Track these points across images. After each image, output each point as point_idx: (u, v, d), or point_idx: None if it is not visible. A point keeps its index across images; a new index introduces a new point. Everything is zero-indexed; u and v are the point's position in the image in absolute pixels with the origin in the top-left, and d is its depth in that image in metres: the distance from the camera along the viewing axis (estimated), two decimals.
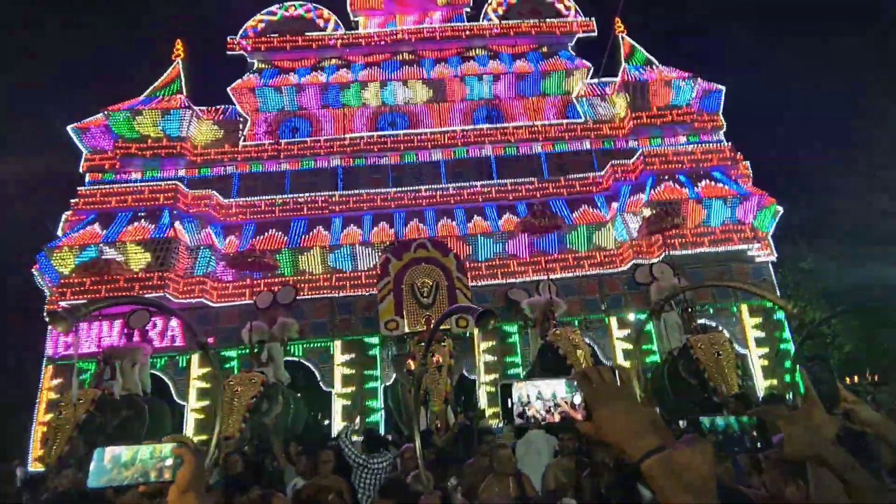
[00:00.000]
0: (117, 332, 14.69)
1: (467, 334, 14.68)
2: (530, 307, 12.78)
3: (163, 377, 15.01)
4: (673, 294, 10.17)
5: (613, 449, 1.08)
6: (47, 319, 15.06)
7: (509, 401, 1.20)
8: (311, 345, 15.43)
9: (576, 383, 1.16)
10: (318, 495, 4.17)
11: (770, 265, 16.43)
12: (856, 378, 18.48)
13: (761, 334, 15.85)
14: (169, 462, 1.38)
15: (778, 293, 16.58)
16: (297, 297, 13.90)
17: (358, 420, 13.99)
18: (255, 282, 15.53)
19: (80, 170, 17.75)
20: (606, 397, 1.08)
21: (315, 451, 5.76)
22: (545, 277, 13.87)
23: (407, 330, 13.35)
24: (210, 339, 14.72)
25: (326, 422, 15.40)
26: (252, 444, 9.40)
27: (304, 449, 6.23)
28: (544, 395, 1.19)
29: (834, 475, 1.29)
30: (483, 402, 14.77)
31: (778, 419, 1.35)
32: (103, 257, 14.37)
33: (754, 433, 1.30)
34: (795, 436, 1.34)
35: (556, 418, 1.18)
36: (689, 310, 11.56)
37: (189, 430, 14.60)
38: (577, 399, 1.17)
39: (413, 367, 11.49)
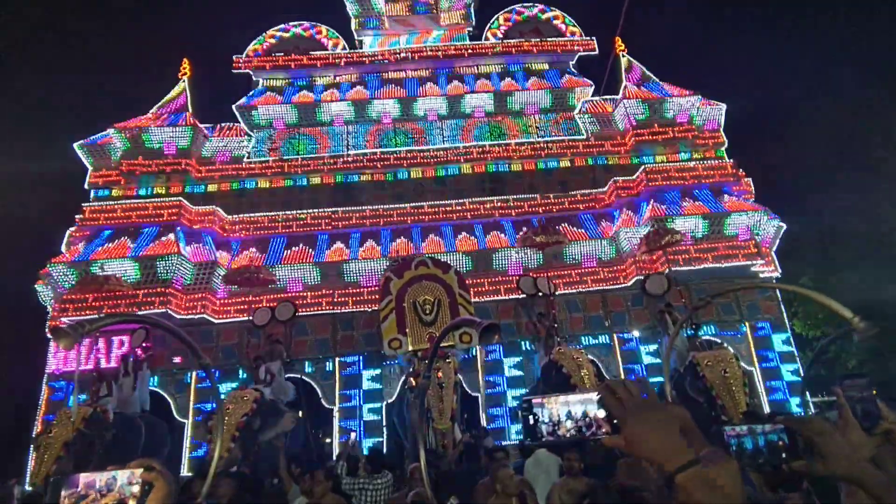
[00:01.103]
0: (117, 346, 14.66)
1: (472, 352, 14.57)
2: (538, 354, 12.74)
3: (163, 394, 14.89)
4: (699, 307, 10.15)
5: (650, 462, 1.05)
6: (49, 336, 15.00)
7: (531, 418, 1.16)
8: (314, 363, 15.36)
9: (599, 397, 1.13)
10: None
11: (774, 282, 16.32)
12: None
13: (767, 352, 15.71)
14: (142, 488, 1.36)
15: (783, 310, 16.44)
16: (298, 314, 13.86)
17: (353, 436, 13.84)
18: (257, 298, 15.47)
19: (85, 185, 17.86)
20: (635, 411, 1.05)
21: (314, 470, 5.66)
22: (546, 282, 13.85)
23: (410, 348, 13.26)
24: (178, 359, 14.71)
25: (328, 440, 15.21)
26: (247, 464, 9.22)
27: (305, 469, 6.13)
28: (574, 413, 1.15)
29: (871, 497, 1.23)
30: (485, 419, 14.59)
31: (814, 433, 1.26)
32: (104, 273, 14.35)
33: (781, 443, 1.26)
34: (832, 453, 1.25)
35: (587, 434, 1.15)
36: (694, 326, 11.47)
37: (187, 448, 14.44)
38: (602, 413, 1.13)
39: (415, 384, 11.38)
